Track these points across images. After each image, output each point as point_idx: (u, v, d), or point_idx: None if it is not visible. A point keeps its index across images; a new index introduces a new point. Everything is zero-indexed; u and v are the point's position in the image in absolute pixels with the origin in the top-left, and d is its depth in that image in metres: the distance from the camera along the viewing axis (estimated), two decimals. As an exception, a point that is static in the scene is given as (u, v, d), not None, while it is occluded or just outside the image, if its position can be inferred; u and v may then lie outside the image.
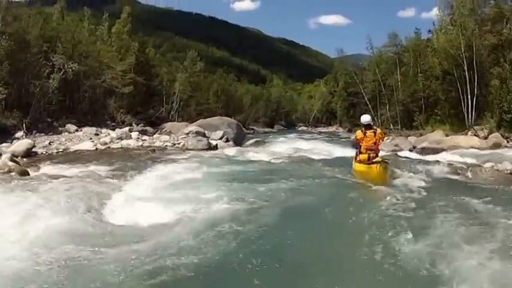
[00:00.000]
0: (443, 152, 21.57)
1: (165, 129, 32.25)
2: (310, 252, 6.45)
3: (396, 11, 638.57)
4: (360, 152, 12.29)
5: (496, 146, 24.03)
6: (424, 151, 23.08)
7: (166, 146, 24.14)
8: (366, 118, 12.43)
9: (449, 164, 15.42)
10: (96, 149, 21.63)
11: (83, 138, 24.19)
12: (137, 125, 34.67)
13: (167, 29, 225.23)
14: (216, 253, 5.98)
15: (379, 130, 12.43)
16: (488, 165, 15.22)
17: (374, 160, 11.62)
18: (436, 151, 22.34)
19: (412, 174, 12.88)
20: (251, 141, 31.54)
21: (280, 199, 9.26)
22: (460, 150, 21.81)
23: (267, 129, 75.23)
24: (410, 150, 24.24)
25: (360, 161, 12.17)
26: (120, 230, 7.40)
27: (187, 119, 40.66)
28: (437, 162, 16.16)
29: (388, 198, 9.24)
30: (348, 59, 60.72)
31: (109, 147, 22.28)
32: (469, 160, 17.75)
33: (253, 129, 67.05)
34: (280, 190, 10.07)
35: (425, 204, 8.83)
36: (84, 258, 5.80)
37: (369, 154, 11.93)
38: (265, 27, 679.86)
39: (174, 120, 42.29)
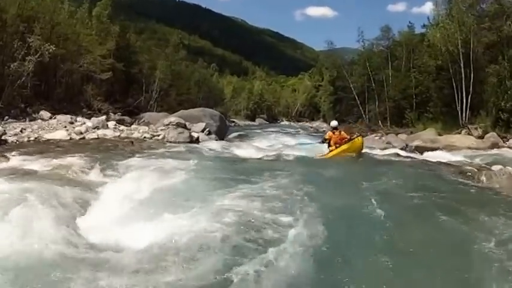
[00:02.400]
0: (439, 151, 20.45)
1: (143, 120, 30.95)
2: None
3: (386, 4, 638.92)
4: (330, 146, 16.74)
5: (494, 146, 23.40)
6: (417, 150, 21.78)
7: (145, 137, 22.73)
8: (334, 123, 18.02)
9: (456, 166, 14.28)
10: (71, 138, 20.06)
11: (56, 127, 22.53)
12: (114, 114, 33.28)
13: (149, 15, 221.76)
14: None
15: (342, 132, 17.18)
16: (496, 167, 13.60)
17: (353, 137, 16.60)
18: (430, 150, 21.06)
19: (421, 176, 12.17)
20: (234, 134, 30.56)
21: (277, 207, 7.87)
22: (459, 151, 20.96)
23: (248, 123, 74.91)
24: (403, 149, 22.84)
25: (335, 148, 16.34)
26: (88, 252, 5.90)
27: (167, 109, 39.20)
28: (442, 163, 15.11)
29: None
30: (334, 52, 59.11)
31: (84, 138, 20.69)
32: (470, 160, 16.83)
33: (234, 121, 66.71)
34: (275, 196, 8.64)
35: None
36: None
37: (337, 147, 16.34)
38: (250, 17, 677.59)
39: (153, 110, 41.26)
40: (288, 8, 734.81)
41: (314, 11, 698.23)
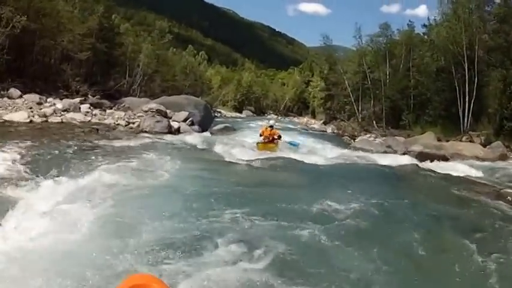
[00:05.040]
0: (451, 162, 18.59)
1: (123, 105, 28.68)
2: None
3: (380, 5, 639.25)
4: (263, 138, 18.64)
5: (503, 157, 21.80)
6: (421, 157, 19.79)
7: (118, 124, 20.62)
8: (272, 122, 20.52)
9: (487, 185, 12.22)
10: (31, 121, 18.01)
11: (21, 107, 20.18)
12: (93, 96, 30.93)
13: (139, 1, 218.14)
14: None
15: (275, 130, 19.12)
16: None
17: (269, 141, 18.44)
18: (436, 158, 19.41)
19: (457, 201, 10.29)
20: (219, 126, 28.46)
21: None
22: (468, 160, 19.17)
23: (234, 114, 73.95)
24: (405, 154, 21.14)
25: (263, 143, 18.36)
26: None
27: (151, 95, 37.22)
28: (469, 181, 13.00)
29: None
30: (326, 48, 57.32)
31: (47, 121, 18.64)
32: (491, 177, 14.73)
33: (220, 112, 66.16)
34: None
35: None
36: None
37: (265, 140, 18.46)
38: (242, 9, 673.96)
39: (136, 95, 38.89)
40: (281, 3, 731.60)
41: (307, 7, 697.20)
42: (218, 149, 16.67)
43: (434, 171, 14.19)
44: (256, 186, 10.01)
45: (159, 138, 17.36)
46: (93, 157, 11.28)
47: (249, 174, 11.74)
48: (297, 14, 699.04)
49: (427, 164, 16.66)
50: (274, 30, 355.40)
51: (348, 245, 6.28)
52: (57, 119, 19.24)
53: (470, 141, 26.17)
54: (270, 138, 18.62)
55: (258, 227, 6.74)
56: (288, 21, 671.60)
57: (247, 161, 13.79)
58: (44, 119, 18.73)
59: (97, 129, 17.65)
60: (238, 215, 7.09)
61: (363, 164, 16.40)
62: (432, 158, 19.22)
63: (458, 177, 13.61)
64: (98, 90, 34.94)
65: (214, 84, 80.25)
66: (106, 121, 21.08)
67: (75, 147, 12.73)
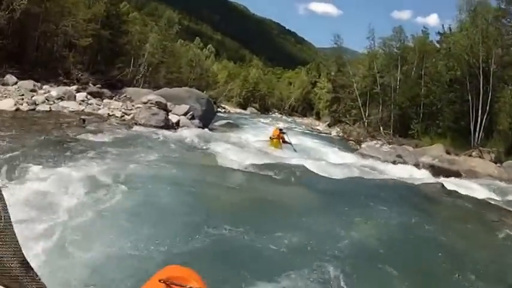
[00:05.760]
0: (465, 180, 17.52)
1: (125, 95, 28.04)
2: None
3: (391, 10, 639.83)
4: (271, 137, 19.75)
5: None
6: (434, 170, 18.89)
7: (112, 115, 19.58)
8: (280, 125, 23.67)
9: None
10: (17, 109, 16.94)
11: (11, 94, 19.11)
12: (94, 85, 29.95)
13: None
14: None
15: (282, 135, 20.01)
16: None
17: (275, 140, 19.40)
18: (450, 174, 18.40)
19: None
20: (221, 122, 27.59)
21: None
22: (483, 180, 17.97)
23: (239, 111, 72.97)
24: (416, 165, 20.09)
25: (271, 140, 19.51)
26: None
27: (154, 87, 36.11)
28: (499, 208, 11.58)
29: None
30: (336, 49, 56.28)
31: (34, 109, 17.59)
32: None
33: (224, 108, 65.23)
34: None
35: None
36: None
37: (272, 139, 19.49)
38: (253, 5, 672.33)
39: (140, 86, 38.13)
40: (292, 0, 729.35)
41: (318, 7, 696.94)
42: (216, 149, 15.52)
43: (454, 192, 12.62)
44: (256, 205, 8.69)
45: (152, 133, 16.24)
46: (55, 155, 9.76)
47: (248, 187, 10.08)
48: (307, 13, 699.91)
49: (443, 181, 15.57)
50: (284, 28, 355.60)
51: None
52: (46, 108, 18.21)
53: (479, 157, 25.23)
54: (278, 138, 19.88)
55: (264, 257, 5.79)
56: (297, 20, 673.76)
57: (246, 167, 12.39)
58: (32, 107, 17.75)
59: (83, 120, 16.44)
60: (230, 245, 6.06)
61: (375, 175, 15.13)
62: (446, 173, 18.34)
63: (480, 199, 12.38)
64: (100, 79, 34.16)
65: (220, 79, 79.15)
66: (100, 111, 20.14)
67: (46, 142, 11.49)
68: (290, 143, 19.80)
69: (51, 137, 12.47)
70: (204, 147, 15.74)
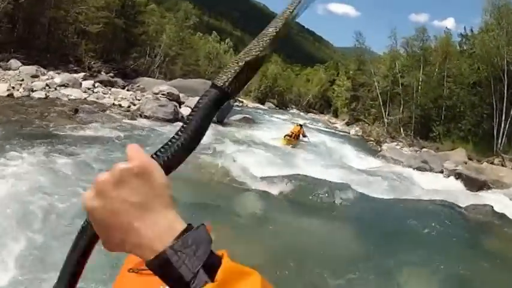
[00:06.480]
0: (497, 192, 16.32)
1: (138, 85, 27.37)
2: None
3: (409, 13, 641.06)
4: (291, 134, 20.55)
5: None
6: (462, 179, 17.65)
7: (118, 104, 18.51)
8: (301, 122, 25.35)
9: None
10: (9, 95, 15.82)
11: (10, 79, 17.94)
12: (106, 73, 29.28)
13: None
14: None
15: (303, 130, 21.67)
16: None
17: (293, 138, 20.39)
18: (478, 184, 17.30)
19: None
20: (238, 116, 26.27)
21: None
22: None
23: (256, 105, 72.20)
24: (442, 172, 19.15)
25: (288, 137, 20.14)
26: None
27: (170, 78, 35.29)
28: None
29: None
30: (355, 49, 55.58)
31: (28, 96, 16.39)
32: None
33: (242, 102, 63.60)
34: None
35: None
36: None
37: (290, 136, 20.19)
38: (272, 3, 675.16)
39: (155, 77, 37.23)
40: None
41: (336, 8, 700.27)
42: (225, 150, 13.62)
43: (505, 216, 10.47)
44: (272, 250, 6.52)
45: (155, 127, 14.94)
46: (18, 149, 8.45)
47: (259, 217, 7.99)
48: (326, 13, 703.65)
49: (478, 195, 14.12)
50: (303, 27, 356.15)
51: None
52: (42, 95, 16.96)
53: (502, 165, 24.17)
54: (296, 135, 20.89)
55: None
56: (316, 19, 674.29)
57: (257, 180, 10.18)
58: (27, 93, 16.64)
59: (76, 110, 14.93)
60: None
61: (410, 189, 13.51)
62: (475, 184, 17.26)
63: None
64: (113, 67, 33.61)
65: None
66: (104, 100, 19.07)
67: (15, 133, 10.05)
68: (307, 138, 21.44)
69: (28, 127, 11.13)
70: (212, 148, 13.50)
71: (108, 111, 16.45)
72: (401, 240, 7.60)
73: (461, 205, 10.94)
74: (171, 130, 14.69)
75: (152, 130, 14.18)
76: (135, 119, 15.95)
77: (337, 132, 40.03)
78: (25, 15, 26.99)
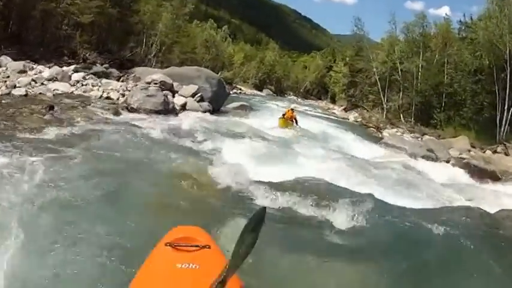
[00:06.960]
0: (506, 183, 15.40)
1: (133, 74, 26.17)
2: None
3: (405, 0, 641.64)
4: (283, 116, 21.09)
5: None
6: (470, 170, 16.81)
7: (107, 97, 17.67)
8: (291, 106, 25.89)
9: None
10: None
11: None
12: (101, 65, 28.43)
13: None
14: None
15: (294, 114, 21.80)
16: None
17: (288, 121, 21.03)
18: (488, 175, 16.45)
19: None
20: (235, 104, 25.90)
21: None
22: None
23: (255, 92, 73.54)
24: (448, 162, 18.53)
25: (283, 119, 20.84)
26: None
27: (167, 67, 34.40)
28: None
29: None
30: (353, 36, 55.65)
31: (9, 94, 15.10)
32: None
33: (240, 89, 65.50)
34: None
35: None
36: None
37: (286, 119, 20.91)
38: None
39: (152, 66, 36.70)
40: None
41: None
42: (217, 145, 11.77)
43: None
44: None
45: (139, 121, 13.28)
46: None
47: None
48: (323, 1, 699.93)
49: (491, 188, 13.60)
50: (300, 14, 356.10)
51: None
52: (22, 92, 15.64)
53: (505, 154, 24.10)
54: (290, 119, 21.32)
55: None
56: (314, 7, 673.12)
57: (252, 184, 8.07)
58: (8, 91, 15.54)
59: (51, 107, 13.40)
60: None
61: (422, 183, 11.82)
62: (485, 175, 16.45)
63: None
64: (108, 58, 33.17)
65: (236, 61, 79.48)
66: (92, 93, 18.08)
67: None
68: (297, 124, 21.44)
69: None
70: (202, 143, 12.04)
71: (91, 106, 15.09)
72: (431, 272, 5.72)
73: (488, 210, 8.58)
74: (156, 123, 13.68)
75: (133, 125, 12.55)
76: (119, 114, 14.51)
77: (335, 118, 39.74)
78: (17, 11, 26.83)
